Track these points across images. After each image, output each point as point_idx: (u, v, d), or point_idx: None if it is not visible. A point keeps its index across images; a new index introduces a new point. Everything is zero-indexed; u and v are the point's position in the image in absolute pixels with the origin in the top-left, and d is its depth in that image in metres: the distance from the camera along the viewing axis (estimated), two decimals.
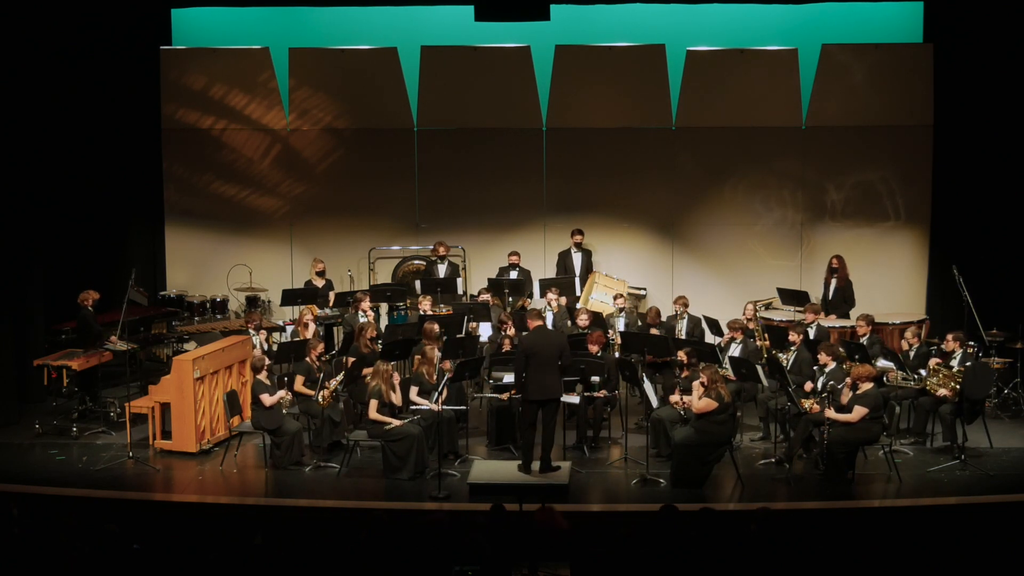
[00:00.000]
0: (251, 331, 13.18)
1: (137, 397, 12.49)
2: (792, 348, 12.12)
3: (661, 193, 15.56)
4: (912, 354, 12.23)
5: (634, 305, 14.02)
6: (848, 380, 10.99)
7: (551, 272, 15.27)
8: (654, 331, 13.10)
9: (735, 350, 12.37)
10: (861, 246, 15.26)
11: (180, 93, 15.58)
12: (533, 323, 11.18)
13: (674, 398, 11.32)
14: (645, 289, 15.29)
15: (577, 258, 15.11)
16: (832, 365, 11.49)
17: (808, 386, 11.66)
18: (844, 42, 15.02)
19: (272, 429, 11.31)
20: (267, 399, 11.30)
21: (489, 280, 14.64)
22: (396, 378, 11.46)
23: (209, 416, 12.00)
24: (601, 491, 10.79)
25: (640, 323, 13.57)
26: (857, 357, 11.70)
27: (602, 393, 11.72)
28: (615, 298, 13.77)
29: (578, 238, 15.10)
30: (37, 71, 13.71)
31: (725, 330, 12.84)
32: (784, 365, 11.79)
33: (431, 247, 15.22)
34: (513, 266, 14.88)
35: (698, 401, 10.70)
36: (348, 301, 14.07)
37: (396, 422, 11.05)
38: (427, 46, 15.19)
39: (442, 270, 14.97)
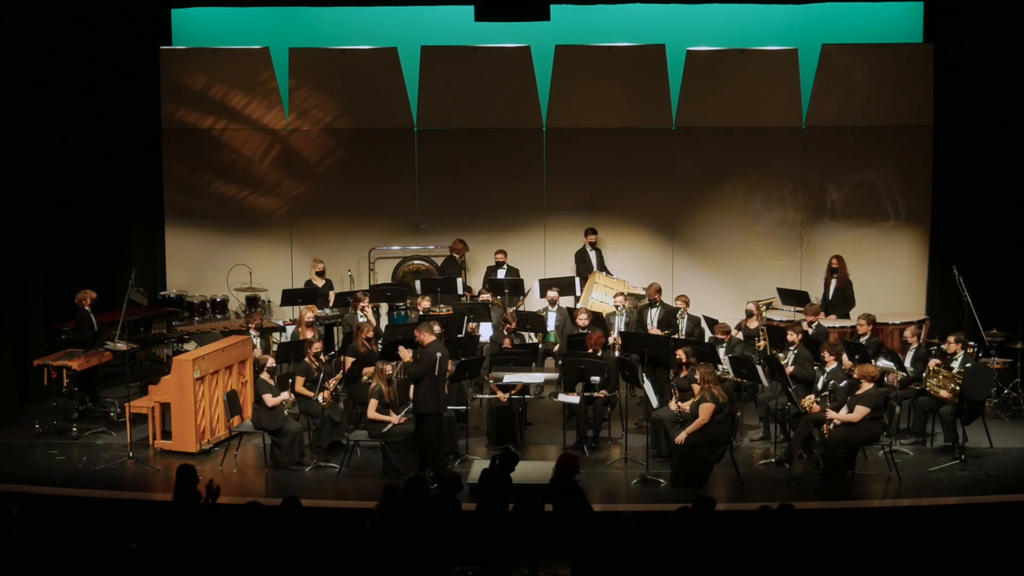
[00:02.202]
0: (252, 331, 13.19)
1: (137, 397, 12.49)
2: (791, 348, 12.12)
3: (661, 193, 15.56)
4: (911, 355, 12.20)
5: (634, 305, 14.02)
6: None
7: (552, 272, 15.28)
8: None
9: (724, 351, 12.38)
10: (861, 246, 15.26)
11: (180, 93, 15.58)
12: (429, 337, 10.95)
13: (673, 405, 11.30)
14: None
15: (593, 256, 15.15)
16: (833, 364, 11.49)
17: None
18: (844, 42, 15.01)
19: (273, 429, 11.31)
20: (270, 399, 11.31)
21: (490, 280, 14.64)
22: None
23: (209, 416, 11.99)
24: (601, 491, 10.77)
25: (638, 307, 13.62)
26: (857, 357, 11.70)
27: (602, 393, 11.71)
28: (615, 297, 13.78)
29: (592, 237, 15.13)
30: (37, 71, 13.71)
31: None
32: (784, 365, 11.78)
33: (446, 245, 15.26)
34: (500, 264, 14.89)
35: (696, 413, 10.69)
36: (348, 301, 14.08)
37: (395, 420, 11.05)
38: (427, 46, 15.19)
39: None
